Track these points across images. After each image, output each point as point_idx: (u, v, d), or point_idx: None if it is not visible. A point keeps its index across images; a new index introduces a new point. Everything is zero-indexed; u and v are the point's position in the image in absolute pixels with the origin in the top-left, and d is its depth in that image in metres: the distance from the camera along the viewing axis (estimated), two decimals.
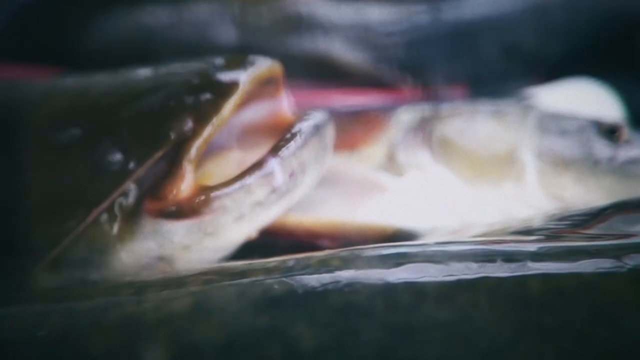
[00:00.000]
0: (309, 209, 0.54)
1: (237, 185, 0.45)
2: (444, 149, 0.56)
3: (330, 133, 0.51)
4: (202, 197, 0.45)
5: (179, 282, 0.41)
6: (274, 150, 0.47)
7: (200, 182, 0.47)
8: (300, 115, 0.51)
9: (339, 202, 0.55)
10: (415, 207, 0.55)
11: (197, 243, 0.46)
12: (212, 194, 0.45)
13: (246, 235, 0.48)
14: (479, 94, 0.71)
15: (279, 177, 0.46)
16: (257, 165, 0.46)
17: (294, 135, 0.48)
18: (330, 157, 0.51)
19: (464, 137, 0.56)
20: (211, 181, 0.48)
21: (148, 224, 0.45)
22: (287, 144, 0.47)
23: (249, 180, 0.46)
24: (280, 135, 0.49)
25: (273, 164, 0.46)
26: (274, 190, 0.46)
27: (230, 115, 0.46)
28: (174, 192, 0.44)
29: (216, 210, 0.45)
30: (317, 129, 0.49)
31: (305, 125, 0.49)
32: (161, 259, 0.46)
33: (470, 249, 0.40)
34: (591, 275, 0.38)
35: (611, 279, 0.38)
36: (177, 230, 0.45)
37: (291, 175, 0.47)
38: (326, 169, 0.53)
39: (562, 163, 0.54)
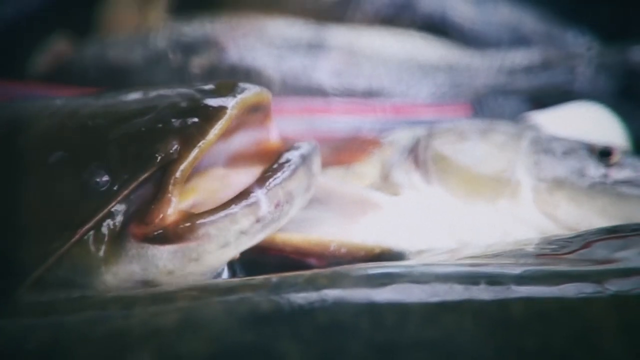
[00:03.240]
0: (302, 226, 0.54)
1: (222, 213, 0.46)
2: (439, 166, 0.57)
3: (317, 162, 0.51)
4: (188, 224, 0.45)
5: (166, 297, 0.41)
6: (261, 181, 0.47)
7: (185, 198, 0.47)
8: (288, 145, 0.51)
9: (332, 220, 0.56)
10: (408, 227, 0.56)
11: (181, 269, 0.46)
12: (198, 222, 0.45)
13: (229, 259, 0.48)
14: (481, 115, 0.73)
15: (264, 208, 0.47)
16: (243, 194, 0.47)
17: (281, 166, 0.48)
18: (316, 186, 0.51)
19: (459, 154, 0.57)
20: (195, 196, 0.48)
21: (133, 248, 0.45)
22: (273, 174, 0.48)
23: (234, 209, 0.46)
24: (267, 164, 0.49)
25: (259, 194, 0.47)
26: (258, 220, 0.47)
27: (217, 139, 0.46)
28: (160, 216, 0.45)
29: (201, 238, 0.45)
30: (304, 159, 0.50)
31: (292, 156, 0.49)
32: (145, 283, 0.46)
33: (456, 271, 0.41)
34: (573, 300, 0.39)
35: (593, 304, 0.38)
36: (162, 255, 0.45)
37: (277, 205, 0.47)
38: (318, 188, 0.54)
39: (556, 182, 0.55)
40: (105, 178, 0.45)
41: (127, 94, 0.50)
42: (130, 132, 0.46)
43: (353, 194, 0.56)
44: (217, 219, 0.46)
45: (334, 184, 0.57)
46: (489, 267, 0.42)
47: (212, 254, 0.46)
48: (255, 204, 0.46)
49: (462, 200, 0.56)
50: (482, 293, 0.39)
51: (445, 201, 0.57)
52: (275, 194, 0.47)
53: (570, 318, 0.38)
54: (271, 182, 0.47)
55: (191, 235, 0.45)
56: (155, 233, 0.45)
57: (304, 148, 0.50)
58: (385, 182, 0.58)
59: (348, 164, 0.60)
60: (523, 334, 0.37)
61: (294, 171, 0.48)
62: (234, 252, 0.47)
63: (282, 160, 0.49)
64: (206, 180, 0.50)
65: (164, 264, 0.46)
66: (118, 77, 0.79)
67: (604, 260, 0.42)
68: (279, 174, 0.48)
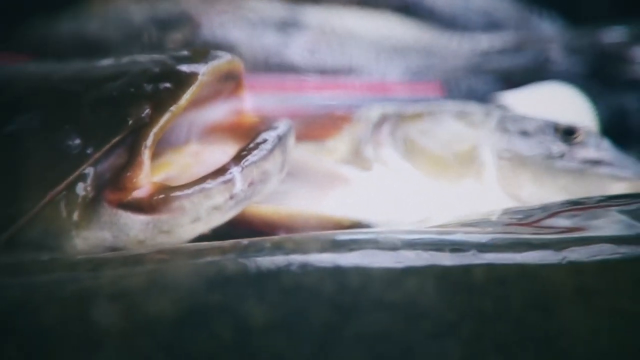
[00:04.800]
0: (273, 199, 0.55)
1: (197, 188, 0.47)
2: (407, 147, 0.58)
3: (292, 143, 0.52)
4: (162, 196, 0.46)
5: (136, 260, 0.42)
6: (237, 159, 0.48)
7: (159, 172, 0.48)
8: (265, 124, 0.52)
9: (302, 193, 0.56)
10: (378, 201, 0.56)
11: (151, 239, 0.47)
12: (172, 194, 0.46)
13: (199, 234, 0.49)
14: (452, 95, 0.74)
15: (239, 185, 0.48)
16: (219, 171, 0.47)
17: (257, 145, 0.49)
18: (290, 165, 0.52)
19: (426, 136, 0.58)
20: (168, 170, 0.49)
21: (106, 214, 0.46)
22: (250, 153, 0.49)
23: (209, 185, 0.47)
24: (243, 142, 0.50)
25: (234, 172, 0.48)
26: (232, 197, 0.48)
27: (187, 104, 0.47)
28: (133, 180, 0.45)
29: (174, 210, 0.46)
30: (281, 140, 0.50)
31: (269, 136, 0.50)
32: (114, 250, 0.46)
33: (421, 238, 0.42)
34: (532, 266, 0.40)
35: (550, 270, 0.39)
36: (134, 225, 0.46)
37: (251, 184, 0.48)
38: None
39: (520, 162, 0.56)
40: (78, 141, 0.46)
41: (100, 61, 0.50)
42: (103, 96, 0.47)
43: (324, 168, 0.57)
44: (192, 193, 0.46)
45: (306, 158, 0.58)
46: (454, 235, 0.43)
47: (183, 228, 0.47)
48: (231, 181, 0.47)
49: (430, 178, 0.57)
50: (446, 259, 0.40)
51: (414, 177, 0.58)
52: (250, 173, 0.48)
53: (528, 283, 0.39)
54: (247, 160, 0.48)
55: (164, 208, 0.46)
56: (129, 200, 0.45)
57: (281, 129, 0.51)
58: (356, 158, 0.59)
59: (320, 139, 0.61)
60: (482, 297, 0.38)
61: (270, 151, 0.49)
62: (204, 227, 0.48)
63: (258, 139, 0.50)
64: (180, 156, 0.50)
65: (135, 234, 0.46)
66: (92, 52, 0.79)
67: (564, 229, 0.44)
68: (255, 152, 0.49)
